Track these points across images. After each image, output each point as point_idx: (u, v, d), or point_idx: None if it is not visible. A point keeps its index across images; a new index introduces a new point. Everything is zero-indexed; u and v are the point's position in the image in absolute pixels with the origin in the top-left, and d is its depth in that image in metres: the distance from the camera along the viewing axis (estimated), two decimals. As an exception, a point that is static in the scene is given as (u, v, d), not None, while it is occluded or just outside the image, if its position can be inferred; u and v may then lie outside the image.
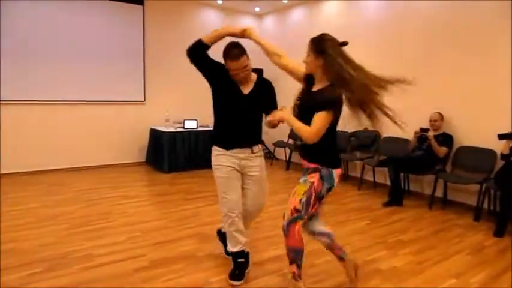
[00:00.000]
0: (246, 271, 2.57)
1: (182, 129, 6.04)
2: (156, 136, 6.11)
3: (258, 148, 2.62)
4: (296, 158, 6.50)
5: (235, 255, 2.57)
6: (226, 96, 2.50)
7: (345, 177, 5.66)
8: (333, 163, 2.23)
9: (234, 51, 2.38)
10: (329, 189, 2.23)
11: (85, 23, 5.73)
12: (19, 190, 4.63)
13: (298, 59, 6.84)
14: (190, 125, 6.15)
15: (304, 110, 2.19)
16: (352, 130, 5.49)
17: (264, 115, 2.62)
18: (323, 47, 2.18)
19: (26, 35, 5.32)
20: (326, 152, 2.23)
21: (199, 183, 5.21)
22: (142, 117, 6.39)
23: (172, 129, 5.96)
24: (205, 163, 6.14)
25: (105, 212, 3.83)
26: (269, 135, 7.34)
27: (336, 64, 2.08)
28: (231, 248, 2.58)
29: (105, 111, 6.03)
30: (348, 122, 2.09)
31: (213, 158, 2.57)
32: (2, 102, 5.21)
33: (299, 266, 2.26)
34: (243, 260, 2.57)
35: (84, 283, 2.43)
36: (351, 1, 5.66)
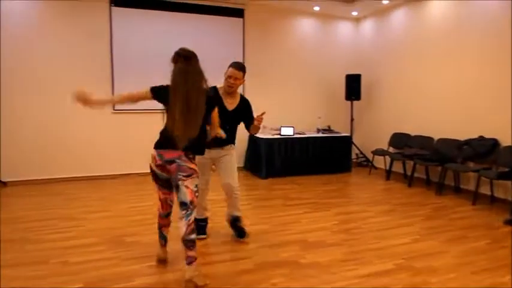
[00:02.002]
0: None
1: (279, 136, 6.16)
2: (254, 142, 6.34)
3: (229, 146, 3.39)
4: (397, 167, 6.14)
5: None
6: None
7: (455, 190, 5.16)
8: None
9: (239, 63, 3.30)
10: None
11: (189, 37, 6.22)
12: (138, 189, 5.20)
13: (399, 63, 6.48)
14: (287, 131, 6.23)
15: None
16: (465, 138, 4.99)
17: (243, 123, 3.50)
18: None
19: (134, 47, 5.98)
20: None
21: (296, 190, 5.23)
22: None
23: (269, 136, 6.12)
24: (301, 170, 6.24)
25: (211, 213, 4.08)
26: (368, 142, 7.08)
27: None
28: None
29: (208, 118, 6.45)
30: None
31: None
32: (116, 112, 5.95)
33: None
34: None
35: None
36: (462, 0, 5.19)
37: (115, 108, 5.91)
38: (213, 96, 2.81)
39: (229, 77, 3.19)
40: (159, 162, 2.58)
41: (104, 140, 5.90)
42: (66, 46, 5.60)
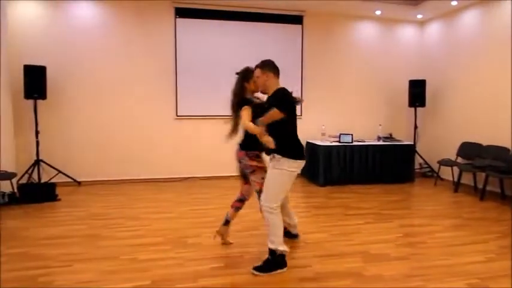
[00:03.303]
0: None
1: (338, 143, 6.03)
2: (312, 149, 6.26)
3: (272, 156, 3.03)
4: (467, 179, 5.73)
5: None
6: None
7: (535, 206, 4.70)
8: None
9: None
10: None
11: (249, 44, 6.36)
12: (198, 192, 5.38)
13: (468, 68, 6.15)
14: (346, 139, 6.09)
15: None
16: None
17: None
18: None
19: (197, 55, 6.21)
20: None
21: (356, 199, 5.08)
22: (299, 130, 6.60)
23: (327, 143, 6.02)
24: (360, 178, 6.06)
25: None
26: (432, 152, 6.70)
27: None
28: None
29: (265, 124, 6.52)
30: None
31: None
32: (179, 117, 6.21)
33: None
34: None
35: (257, 284, 2.62)
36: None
37: (178, 114, 6.18)
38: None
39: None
40: None
41: (168, 144, 6.19)
42: (133, 56, 5.98)
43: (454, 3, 5.98)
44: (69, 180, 5.71)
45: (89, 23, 5.78)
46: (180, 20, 6.11)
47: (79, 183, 5.78)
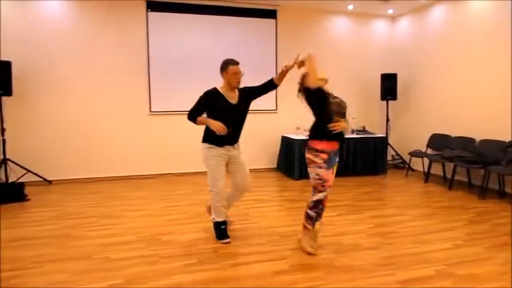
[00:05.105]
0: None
1: (312, 137, 6.10)
2: (287, 143, 6.32)
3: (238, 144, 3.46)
4: (436, 169, 5.93)
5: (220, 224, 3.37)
6: (222, 110, 3.24)
7: (500, 194, 4.91)
8: None
9: (234, 59, 3.34)
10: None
11: (223, 39, 6.33)
12: (172, 189, 5.33)
13: (438, 62, 6.30)
14: (320, 132, 6.16)
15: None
16: (510, 139, 4.73)
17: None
18: None
19: (170, 50, 6.12)
20: None
21: (330, 192, 5.15)
22: (274, 125, 6.69)
23: (302, 137, 6.07)
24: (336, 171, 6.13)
25: (244, 214, 4.12)
26: (404, 143, 6.88)
27: None
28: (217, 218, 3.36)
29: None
30: None
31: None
32: (153, 113, 6.13)
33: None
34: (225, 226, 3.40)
35: (231, 279, 2.64)
36: (508, -9, 4.91)
37: (152, 110, 6.09)
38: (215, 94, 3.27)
39: (238, 73, 3.32)
40: None
41: (141, 141, 6.09)
42: (104, 50, 5.84)
43: (423, -1, 6.14)
44: (39, 179, 5.54)
45: (57, 17, 5.59)
46: (152, 14, 5.99)
47: (50, 182, 5.62)
